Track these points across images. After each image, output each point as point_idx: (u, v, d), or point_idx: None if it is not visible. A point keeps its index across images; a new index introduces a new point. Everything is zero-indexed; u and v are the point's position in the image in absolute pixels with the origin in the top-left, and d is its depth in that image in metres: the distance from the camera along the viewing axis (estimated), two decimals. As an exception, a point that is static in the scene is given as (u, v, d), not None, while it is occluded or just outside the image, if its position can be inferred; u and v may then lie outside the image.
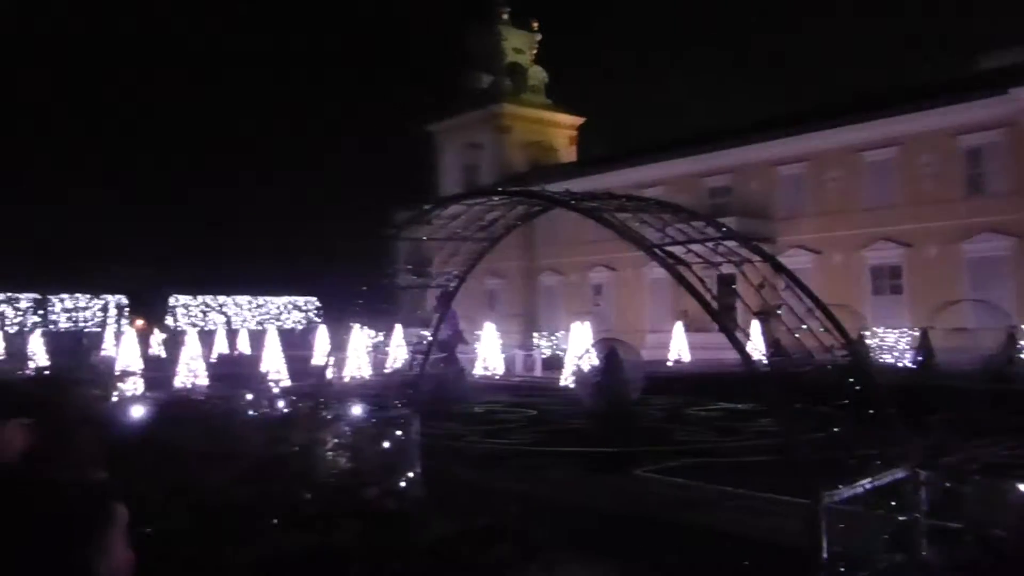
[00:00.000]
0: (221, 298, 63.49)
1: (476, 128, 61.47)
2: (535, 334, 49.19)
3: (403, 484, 8.75)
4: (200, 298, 62.90)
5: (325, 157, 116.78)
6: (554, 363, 33.07)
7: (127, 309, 59.54)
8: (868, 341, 34.74)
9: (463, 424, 18.18)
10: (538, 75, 64.89)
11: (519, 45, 65.44)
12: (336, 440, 8.19)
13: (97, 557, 1.82)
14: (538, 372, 34.61)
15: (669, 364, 35.67)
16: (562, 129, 64.39)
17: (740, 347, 4.60)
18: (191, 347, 24.77)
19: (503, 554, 4.10)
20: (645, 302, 48.60)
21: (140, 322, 58.53)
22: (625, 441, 13.77)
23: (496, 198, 6.38)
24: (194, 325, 60.81)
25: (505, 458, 14.02)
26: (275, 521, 6.38)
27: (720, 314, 4.81)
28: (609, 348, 17.02)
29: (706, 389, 22.15)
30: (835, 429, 4.79)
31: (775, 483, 6.90)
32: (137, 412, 16.70)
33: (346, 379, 24.91)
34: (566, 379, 27.16)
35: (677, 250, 5.52)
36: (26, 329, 53.94)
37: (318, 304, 62.89)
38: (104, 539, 1.84)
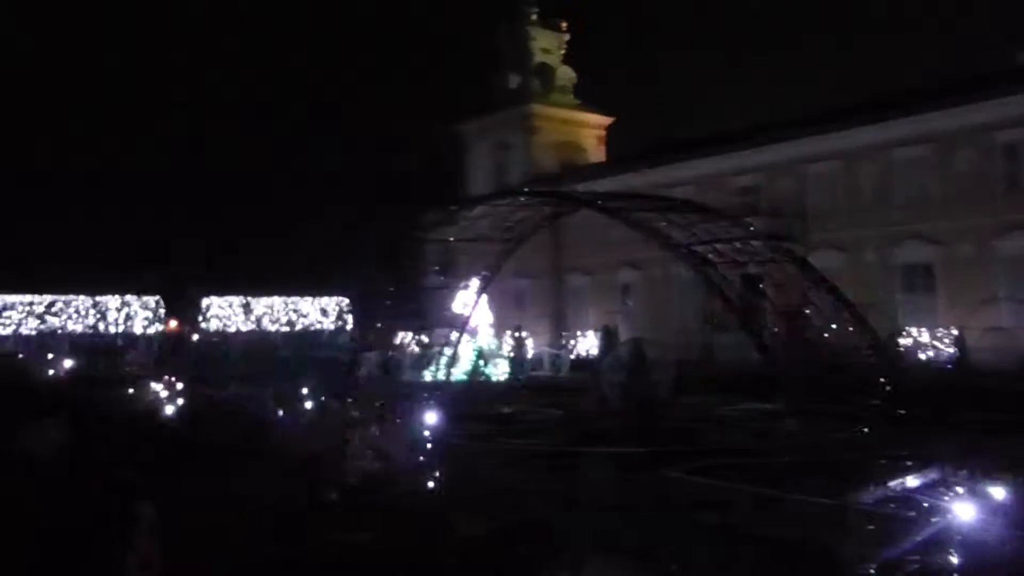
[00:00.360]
0: (252, 299, 64.01)
1: (505, 129, 61.52)
2: (563, 334, 49.15)
3: (430, 484, 8.79)
4: (231, 298, 63.42)
5: (355, 158, 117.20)
6: (582, 363, 33.03)
7: (161, 310, 60.23)
8: (900, 341, 34.33)
9: (492, 425, 18.21)
10: (566, 75, 64.77)
11: (547, 45, 65.34)
12: (364, 440, 8.24)
13: (124, 552, 1.85)
14: (565, 372, 34.58)
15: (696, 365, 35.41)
16: (590, 129, 64.23)
17: (763, 348, 4.57)
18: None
19: (529, 553, 4.10)
20: (673, 301, 48.32)
21: (174, 323, 59.22)
22: (653, 441, 13.71)
23: (522, 199, 6.38)
24: (226, 327, 61.38)
25: (533, 458, 14.03)
26: (306, 519, 6.43)
27: (744, 314, 4.77)
28: (636, 348, 16.96)
29: (736, 388, 21.99)
30: (864, 430, 4.73)
31: (805, 484, 6.84)
32: (171, 412, 16.95)
33: (375, 380, 25.00)
34: (593, 379, 27.09)
35: (704, 250, 5.49)
36: (59, 330, 54.74)
37: (348, 304, 63.20)
38: (131, 534, 1.87)
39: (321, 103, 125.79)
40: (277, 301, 64.61)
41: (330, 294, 65.95)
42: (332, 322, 64.40)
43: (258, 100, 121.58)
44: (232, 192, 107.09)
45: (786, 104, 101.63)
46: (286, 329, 62.25)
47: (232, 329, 60.35)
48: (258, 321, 62.65)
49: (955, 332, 33.14)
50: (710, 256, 5.00)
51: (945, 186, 39.10)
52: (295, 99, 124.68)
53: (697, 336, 39.19)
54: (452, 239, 9.03)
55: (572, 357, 37.43)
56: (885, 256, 41.28)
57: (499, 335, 33.65)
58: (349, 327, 55.33)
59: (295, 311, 64.59)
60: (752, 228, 5.62)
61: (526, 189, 7.12)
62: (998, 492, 4.75)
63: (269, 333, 59.75)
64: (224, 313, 62.49)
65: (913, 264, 40.70)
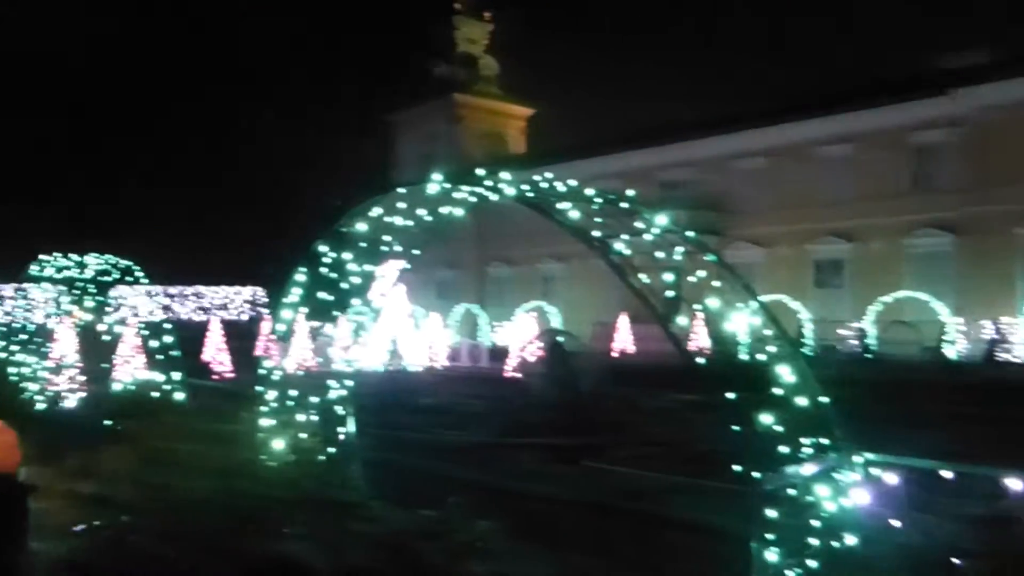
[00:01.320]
0: (162, 288, 62.12)
1: (432, 118, 61.36)
2: (483, 324, 49.19)
3: (351, 476, 8.71)
4: (140, 288, 61.52)
5: (278, 145, 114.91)
6: (501, 354, 33.15)
7: (65, 301, 58.04)
8: (809, 333, 35.48)
9: (412, 416, 18.11)
10: (490, 65, 64.88)
11: (472, 35, 65.35)
12: (282, 432, 8.12)
13: (11, 551, 1.79)
14: (485, 362, 34.66)
15: (615, 355, 35.93)
16: (514, 120, 64.55)
17: (676, 340, 4.67)
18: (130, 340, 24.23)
19: (451, 545, 4.10)
20: (594, 294, 48.87)
21: (76, 313, 57.06)
22: (576, 431, 13.86)
23: (440, 187, 6.37)
24: (135, 316, 59.40)
25: (455, 449, 14.02)
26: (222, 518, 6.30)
27: (658, 307, 4.87)
28: (553, 340, 17.11)
29: (656, 380, 22.34)
30: (771, 419, 4.89)
31: (720, 472, 7.03)
32: (74, 408, 16.38)
33: (292, 370, 24.58)
34: (513, 370, 27.26)
35: (623, 243, 5.58)
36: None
37: (264, 293, 61.88)
38: (18, 534, 1.81)
39: (248, 86, 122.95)
40: (189, 291, 62.76)
41: (244, 283, 64.49)
42: (249, 311, 63.03)
43: (180, 83, 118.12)
44: (138, 179, 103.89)
45: (712, 102, 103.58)
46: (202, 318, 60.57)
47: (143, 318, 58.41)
48: (168, 310, 60.88)
49: (861, 326, 34.36)
50: (627, 250, 5.10)
51: (861, 184, 40.47)
52: (219, 83, 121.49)
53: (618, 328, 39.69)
54: (373, 226, 8.93)
55: (491, 347, 37.51)
56: (800, 251, 42.56)
57: (417, 325, 33.50)
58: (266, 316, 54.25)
59: (209, 300, 62.92)
60: (673, 222, 5.74)
61: (442, 177, 7.07)
62: (892, 476, 5.00)
63: (183, 322, 58.11)
64: (134, 302, 60.58)
65: (826, 260, 42.07)
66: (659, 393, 20.56)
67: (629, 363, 32.14)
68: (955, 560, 3.80)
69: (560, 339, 18.68)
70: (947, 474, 4.64)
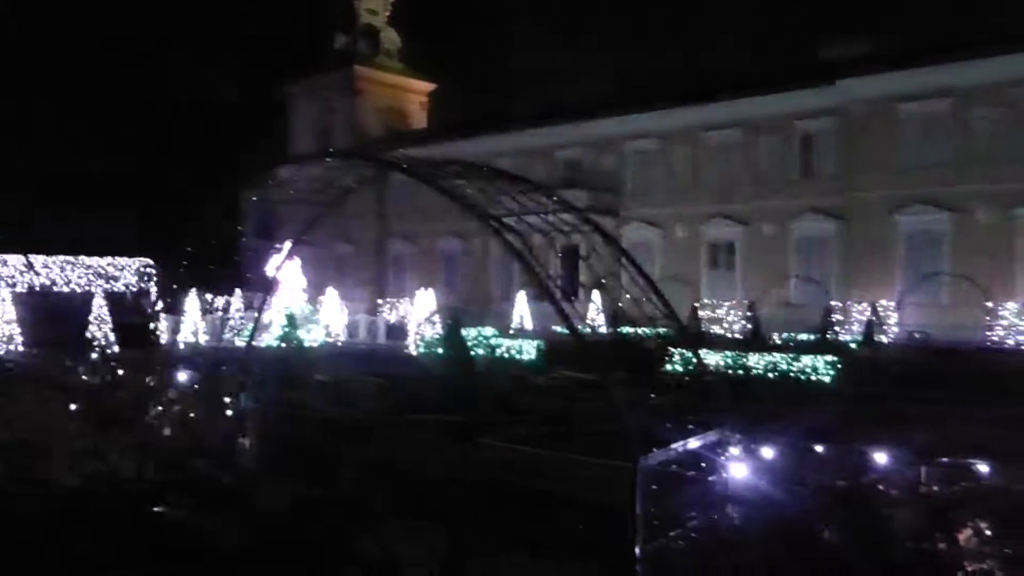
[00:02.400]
0: (41, 258, 58.81)
1: (331, 91, 60.06)
2: (381, 301, 48.88)
3: (238, 455, 8.54)
4: (15, 258, 58.05)
5: (171, 113, 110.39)
6: (399, 330, 32.99)
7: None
8: (700, 314, 36.58)
9: (307, 392, 17.86)
10: (391, 38, 63.88)
11: (373, 6, 64.13)
12: (165, 409, 7.88)
13: None
14: (382, 339, 34.45)
15: (511, 332, 36.19)
16: (415, 95, 63.85)
17: (568, 319, 4.75)
18: (5, 310, 23.15)
19: (335, 522, 4.07)
20: (492, 271, 49.12)
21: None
22: (471, 409, 13.92)
23: (331, 160, 6.26)
24: (11, 287, 56.25)
25: (350, 426, 13.89)
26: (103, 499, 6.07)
27: (549, 285, 4.93)
28: (452, 317, 17.13)
29: (552, 358, 22.66)
30: (653, 396, 5.03)
31: (609, 449, 7.20)
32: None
33: (181, 345, 23.94)
34: (410, 346, 27.19)
35: (517, 222, 5.62)
36: None
37: (152, 265, 59.51)
38: None
39: (139, 52, 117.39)
40: (68, 260, 59.39)
41: (131, 254, 61.72)
42: (134, 285, 60.51)
43: (73, 57, 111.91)
44: (18, 143, 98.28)
45: (611, 83, 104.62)
46: (81, 291, 57.81)
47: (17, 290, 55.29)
48: (52, 283, 57.87)
49: (750, 307, 35.57)
50: (518, 227, 5.13)
51: (750, 170, 41.78)
52: (111, 49, 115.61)
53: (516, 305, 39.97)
54: (269, 200, 8.72)
55: (389, 324, 37.29)
56: (694, 233, 43.71)
57: (314, 300, 32.96)
58: (153, 290, 52.32)
59: (94, 272, 60.02)
60: (568, 201, 5.80)
61: (332, 151, 6.96)
62: (769, 452, 5.23)
63: (62, 295, 55.29)
64: (4, 272, 57.28)
65: (718, 242, 43.33)
66: (554, 371, 20.87)
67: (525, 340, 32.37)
68: (823, 528, 4.01)
69: (457, 318, 18.70)
70: (818, 449, 4.89)
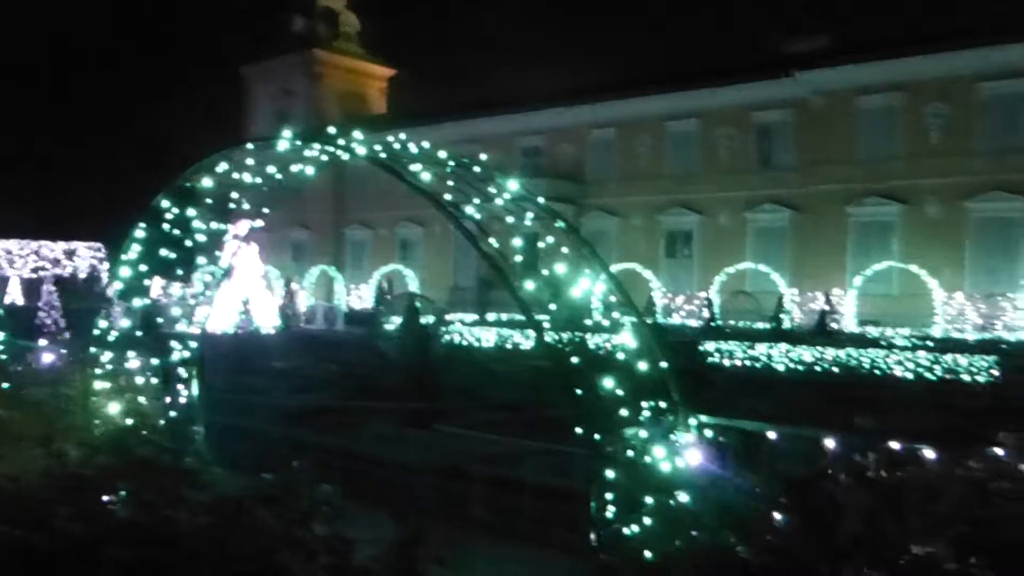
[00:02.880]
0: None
1: (288, 74, 59.26)
2: (339, 287, 48.49)
3: (192, 441, 8.43)
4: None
5: (127, 94, 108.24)
6: (357, 317, 32.81)
7: None
8: (658, 303, 36.88)
9: (263, 379, 17.69)
10: (351, 22, 63.18)
11: (333, -12, 63.40)
12: (117, 394, 7.75)
13: None
14: (340, 326, 34.25)
15: (468, 321, 36.17)
16: (375, 80, 63.28)
17: (525, 306, 4.76)
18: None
19: (286, 511, 4.03)
20: (452, 259, 49.03)
21: None
22: (429, 396, 13.90)
23: (291, 144, 6.19)
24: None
25: (305, 414, 13.79)
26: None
27: (503, 273, 4.93)
28: (411, 304, 17.07)
29: (513, 346, 22.71)
30: (612, 384, 5.06)
31: (564, 435, 7.26)
32: None
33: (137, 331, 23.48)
34: (368, 333, 27.06)
35: (476, 209, 5.60)
36: None
37: (104, 250, 58.22)
38: None
39: (96, 35, 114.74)
40: (15, 245, 57.91)
41: (82, 238, 60.42)
42: (86, 270, 59.27)
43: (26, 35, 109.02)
44: None
45: (571, 71, 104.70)
46: (32, 276, 56.45)
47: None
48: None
49: (706, 295, 35.94)
50: (478, 215, 5.12)
51: (708, 159, 42.16)
52: (63, 37, 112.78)
53: (475, 292, 39.99)
54: (221, 183, 8.57)
55: (347, 311, 37.04)
56: (652, 222, 44.01)
57: (271, 287, 32.64)
58: (104, 275, 51.29)
59: (40, 256, 58.55)
60: (525, 189, 5.80)
61: (291, 134, 6.83)
62: (723, 438, 5.31)
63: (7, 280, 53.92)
64: None
65: (676, 231, 43.69)
66: (510, 358, 20.93)
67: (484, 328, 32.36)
68: (776, 515, 4.07)
69: (416, 303, 18.64)
70: (772, 435, 4.97)
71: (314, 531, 3.68)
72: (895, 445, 4.73)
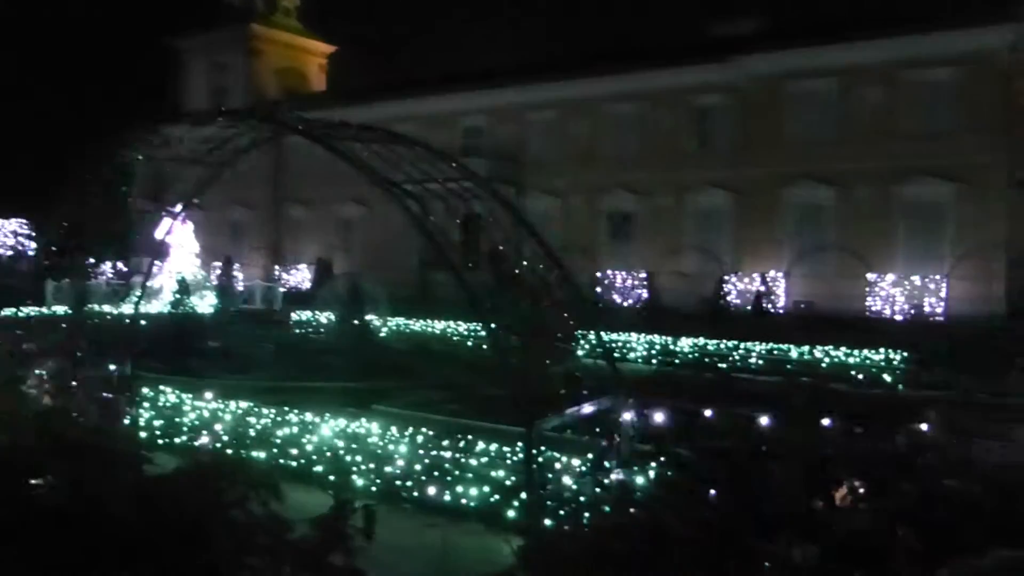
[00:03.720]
0: None
1: (224, 48, 57.82)
2: (278, 267, 47.87)
3: (124, 422, 8.26)
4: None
5: (54, 68, 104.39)
6: (297, 297, 32.40)
7: None
8: (602, 282, 37.20)
9: (197, 360, 17.40)
10: (290, -3, 61.94)
11: (270, -40, 61.98)
12: (44, 376, 7.53)
13: None
14: (279, 306, 33.80)
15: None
16: (314, 57, 62.18)
17: (468, 286, 4.75)
18: None
19: (221, 490, 3.97)
20: (394, 238, 48.65)
21: None
22: (368, 375, 13.84)
23: (224, 120, 6.04)
24: None
25: (243, 394, 13.61)
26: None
27: (447, 252, 4.91)
28: (351, 283, 16.93)
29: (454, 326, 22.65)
30: (552, 363, 5.10)
31: (504, 414, 7.29)
32: None
33: (67, 310, 22.89)
34: (308, 313, 26.75)
35: (417, 188, 5.56)
36: None
37: (29, 227, 56.14)
38: None
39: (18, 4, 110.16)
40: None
41: (5, 215, 58.11)
42: (8, 247, 57.12)
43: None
44: None
45: (513, 51, 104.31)
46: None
47: None
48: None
49: (646, 275, 36.35)
50: (418, 194, 5.08)
51: (649, 142, 42.46)
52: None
53: (416, 273, 39.85)
54: (158, 160, 8.36)
55: (284, 290, 36.56)
56: (593, 204, 44.22)
57: (208, 266, 32.01)
58: (31, 252, 49.54)
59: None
60: (469, 169, 5.76)
61: (237, 111, 6.66)
62: (659, 415, 5.39)
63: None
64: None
65: (617, 213, 43.98)
66: (451, 338, 20.92)
67: (429, 308, 32.27)
68: (710, 491, 4.15)
69: (358, 284, 18.48)
70: (708, 412, 5.06)
71: (250, 511, 3.63)
72: (826, 422, 4.86)
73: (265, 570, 3.08)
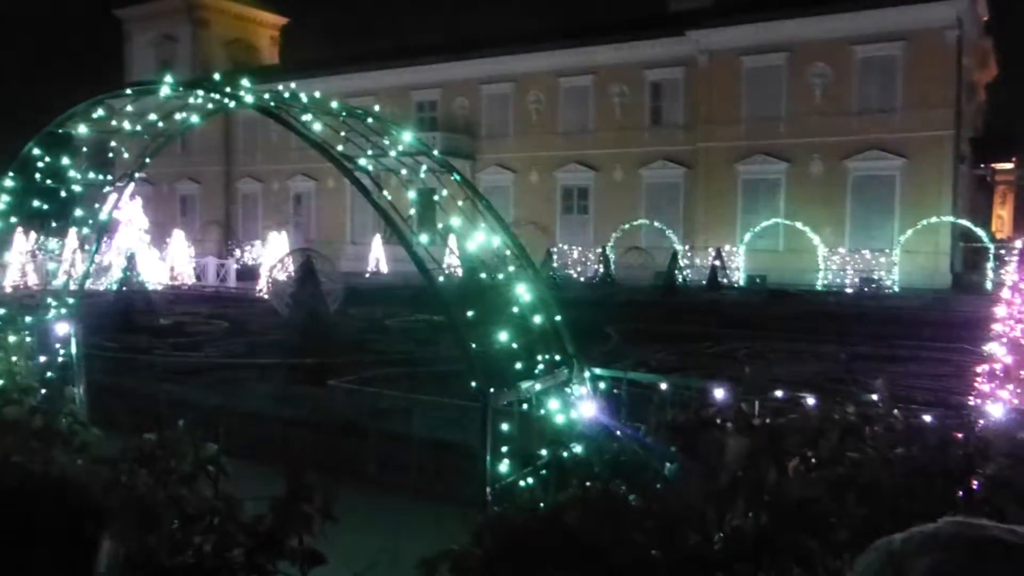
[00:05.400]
0: None
1: (171, 19, 56.45)
2: (230, 243, 47.16)
3: (70, 402, 8.06)
4: None
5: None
6: (249, 273, 31.96)
7: None
8: (556, 257, 37.27)
9: (150, 337, 17.11)
10: (240, -35, 60.60)
11: (218, -73, 60.53)
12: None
13: None
14: (232, 282, 33.32)
15: (367, 276, 35.80)
16: (265, 29, 61.05)
17: (418, 260, 4.68)
18: None
19: (165, 469, 3.88)
20: (347, 213, 48.19)
21: None
22: (323, 352, 13.70)
23: (173, 90, 5.88)
24: None
25: (194, 372, 13.43)
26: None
27: (400, 227, 4.84)
28: (305, 259, 16.71)
29: (404, 301, 22.54)
30: (506, 337, 5.07)
31: (459, 389, 7.28)
32: None
33: (6, 287, 22.37)
34: (261, 289, 26.44)
35: (371, 163, 5.47)
36: None
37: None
38: None
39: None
40: None
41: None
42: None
43: None
44: None
45: (466, 24, 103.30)
46: None
47: None
48: None
49: (602, 251, 36.50)
50: (372, 167, 4.99)
51: (603, 116, 42.50)
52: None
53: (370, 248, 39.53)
54: (97, 130, 8.10)
55: (238, 267, 36.04)
56: (548, 178, 44.23)
57: (157, 242, 31.41)
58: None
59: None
60: (420, 142, 5.68)
61: (182, 81, 6.51)
62: (616, 389, 5.41)
63: None
64: None
65: (571, 186, 44.06)
66: (405, 313, 20.82)
67: (380, 284, 32.14)
68: (668, 463, 4.17)
69: (311, 258, 18.24)
70: (663, 386, 5.09)
71: (198, 491, 3.56)
72: (779, 393, 4.91)
73: (217, 550, 3.02)
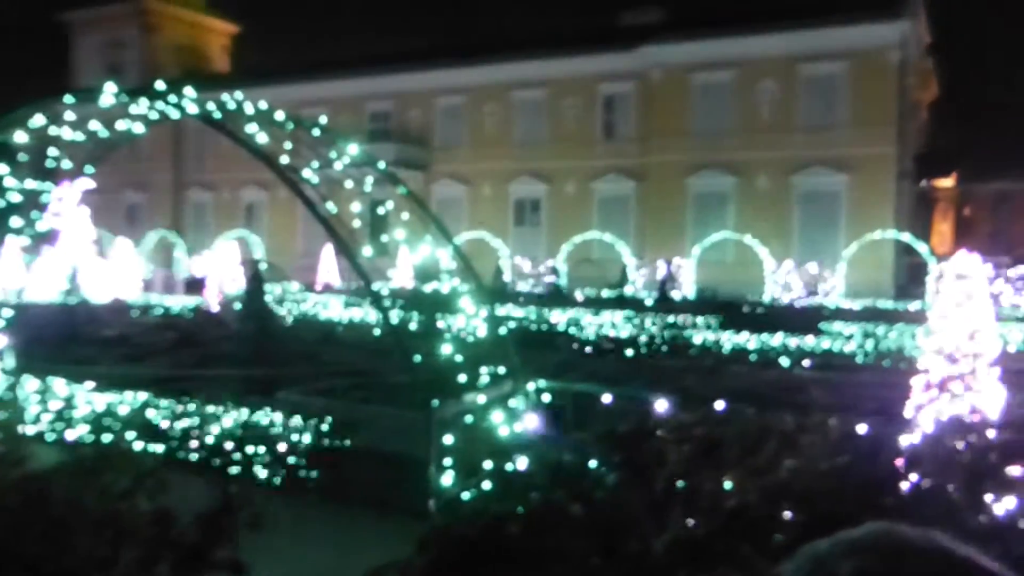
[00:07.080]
0: None
1: (119, 24, 55.40)
2: (179, 253, 46.40)
3: (5, 415, 7.90)
4: None
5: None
6: (197, 284, 31.50)
7: None
8: (506, 270, 37.32)
9: (94, 348, 16.77)
10: (191, -28, 59.84)
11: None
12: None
13: None
14: (180, 293, 32.82)
15: (318, 289, 35.47)
16: (217, 36, 60.30)
17: (362, 272, 4.70)
18: None
19: (108, 483, 3.84)
20: (298, 224, 47.76)
21: None
22: (272, 364, 13.57)
23: (115, 98, 5.79)
24: None
25: (140, 384, 13.18)
26: None
27: (341, 239, 4.85)
28: (254, 271, 16.55)
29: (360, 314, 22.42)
30: (451, 350, 5.10)
31: (405, 401, 7.26)
32: None
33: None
34: (210, 301, 26.09)
35: (318, 174, 5.46)
36: None
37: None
38: None
39: None
40: None
41: None
42: None
43: None
44: None
45: (420, 36, 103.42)
46: None
47: None
48: None
49: (553, 264, 36.62)
50: (316, 178, 4.98)
51: (555, 129, 42.78)
52: None
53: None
54: (36, 138, 7.97)
55: (187, 278, 35.52)
56: (501, 190, 44.34)
57: (104, 252, 30.83)
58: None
59: None
60: (367, 153, 5.66)
61: (125, 89, 6.40)
62: (559, 401, 5.47)
63: None
64: None
65: (524, 199, 44.23)
66: (355, 325, 20.72)
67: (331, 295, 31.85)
68: (609, 473, 4.23)
69: (261, 269, 18.08)
70: (605, 398, 5.15)
71: (135, 507, 3.53)
72: (719, 405, 5.00)
73: (144, 564, 3.00)
